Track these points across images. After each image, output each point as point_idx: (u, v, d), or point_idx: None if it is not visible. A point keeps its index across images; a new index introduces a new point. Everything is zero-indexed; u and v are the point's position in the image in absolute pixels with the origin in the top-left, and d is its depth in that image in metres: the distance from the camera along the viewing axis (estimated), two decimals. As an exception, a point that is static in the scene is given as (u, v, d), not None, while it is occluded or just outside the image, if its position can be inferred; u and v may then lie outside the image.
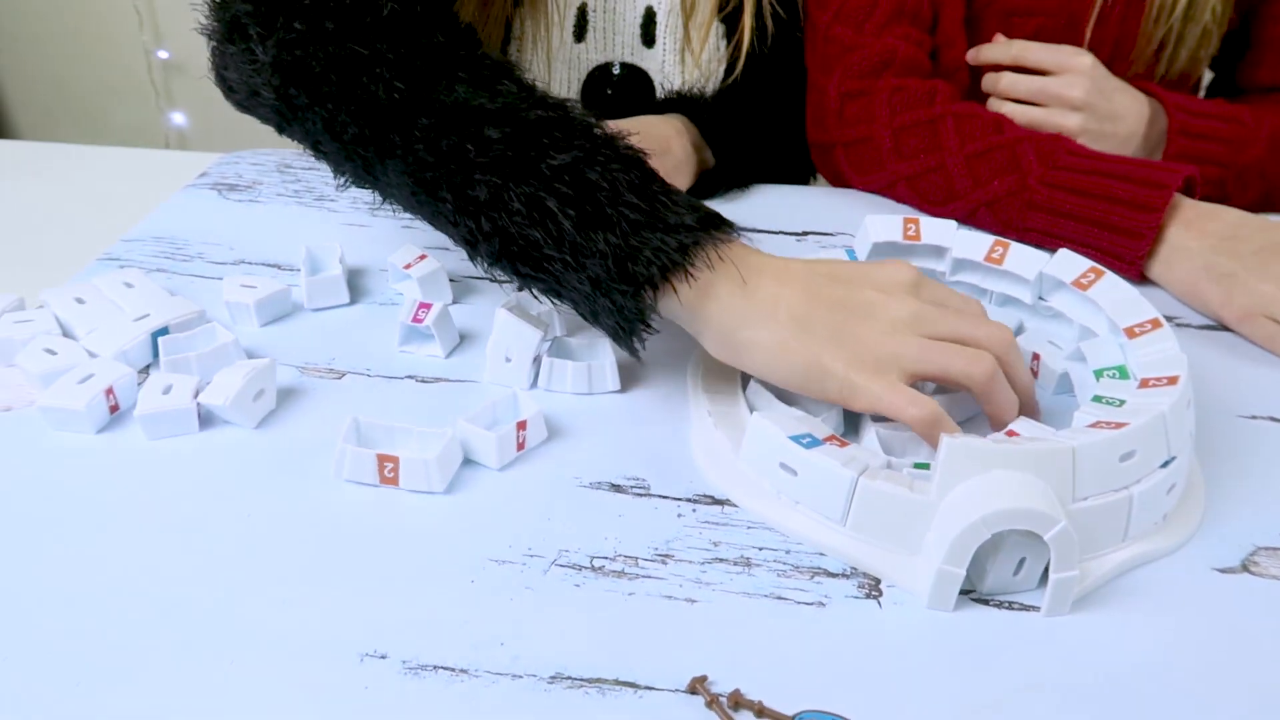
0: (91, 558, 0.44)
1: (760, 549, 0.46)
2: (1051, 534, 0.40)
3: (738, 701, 0.38)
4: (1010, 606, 0.43)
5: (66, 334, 0.58)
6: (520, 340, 0.55)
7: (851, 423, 0.53)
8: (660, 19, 0.83)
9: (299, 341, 0.60)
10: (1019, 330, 0.60)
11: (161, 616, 0.42)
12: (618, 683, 0.39)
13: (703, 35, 0.81)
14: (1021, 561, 0.43)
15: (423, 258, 0.64)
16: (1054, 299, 0.59)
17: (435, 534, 0.46)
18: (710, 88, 0.83)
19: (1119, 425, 0.44)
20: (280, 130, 0.60)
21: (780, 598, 0.44)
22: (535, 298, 0.54)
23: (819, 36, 0.82)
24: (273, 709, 0.38)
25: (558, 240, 0.49)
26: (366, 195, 0.65)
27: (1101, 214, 0.67)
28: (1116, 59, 0.82)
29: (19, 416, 0.53)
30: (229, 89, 0.61)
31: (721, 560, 0.45)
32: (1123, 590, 0.44)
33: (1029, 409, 0.51)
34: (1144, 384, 0.48)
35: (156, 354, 0.57)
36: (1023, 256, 0.59)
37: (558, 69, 0.85)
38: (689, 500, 0.49)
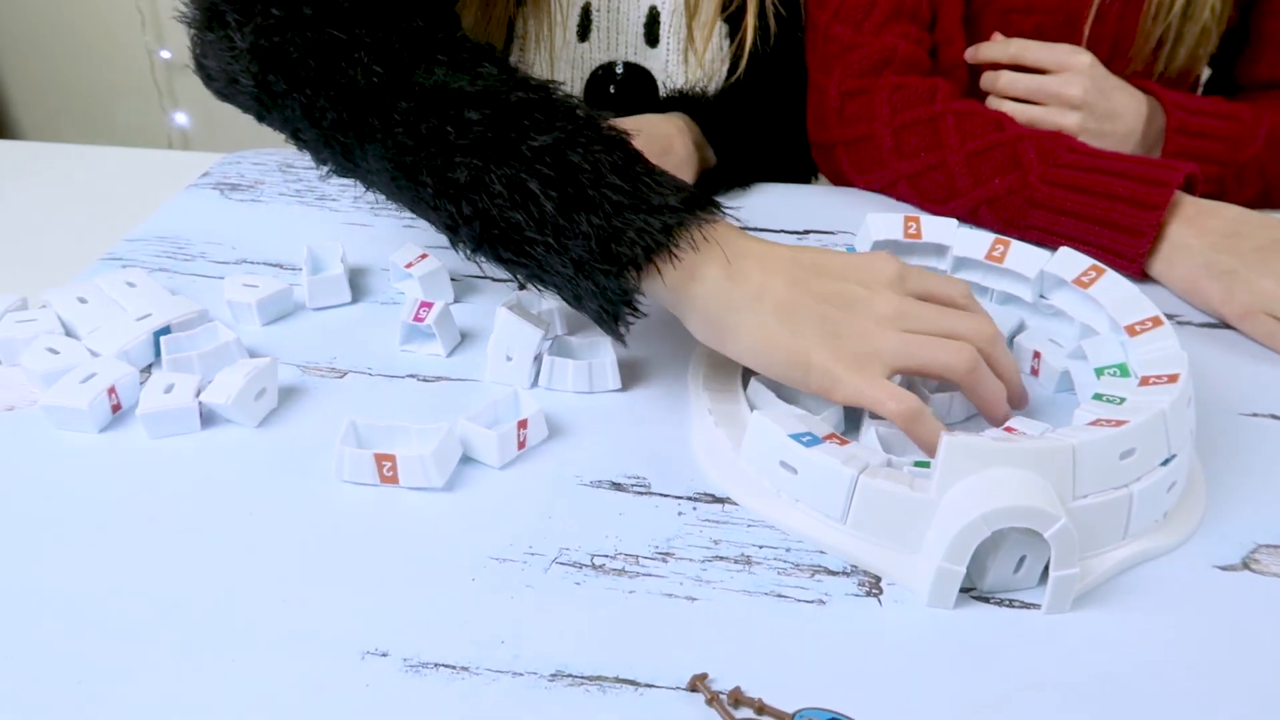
0: (93, 556, 0.45)
1: (760, 547, 0.46)
2: (1052, 531, 0.40)
3: (738, 699, 0.38)
4: (1010, 604, 0.43)
5: (69, 333, 0.59)
6: (521, 339, 0.56)
7: (852, 421, 0.53)
8: (664, 18, 0.83)
9: (300, 341, 0.60)
10: (1020, 328, 0.60)
11: (163, 615, 0.42)
12: (618, 680, 0.39)
13: (706, 35, 0.81)
14: (1022, 559, 0.43)
15: (424, 257, 0.64)
16: (1055, 297, 0.59)
17: (436, 532, 0.46)
18: (713, 87, 0.83)
19: (1119, 423, 0.44)
20: (260, 118, 0.60)
21: (780, 596, 0.44)
22: (519, 285, 0.53)
23: (819, 35, 0.81)
24: (274, 707, 0.38)
25: (539, 222, 0.49)
26: (368, 195, 0.65)
27: (1102, 211, 0.67)
28: (1115, 57, 0.82)
29: (21, 416, 0.53)
30: (208, 77, 0.60)
31: (722, 558, 0.45)
32: (1123, 588, 0.44)
33: (1015, 398, 0.51)
34: (1145, 382, 0.48)
35: (158, 353, 0.57)
36: (1024, 254, 0.59)
37: (561, 69, 0.86)
38: (689, 498, 0.49)
